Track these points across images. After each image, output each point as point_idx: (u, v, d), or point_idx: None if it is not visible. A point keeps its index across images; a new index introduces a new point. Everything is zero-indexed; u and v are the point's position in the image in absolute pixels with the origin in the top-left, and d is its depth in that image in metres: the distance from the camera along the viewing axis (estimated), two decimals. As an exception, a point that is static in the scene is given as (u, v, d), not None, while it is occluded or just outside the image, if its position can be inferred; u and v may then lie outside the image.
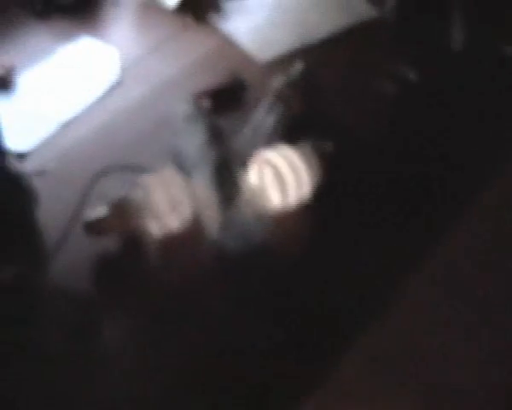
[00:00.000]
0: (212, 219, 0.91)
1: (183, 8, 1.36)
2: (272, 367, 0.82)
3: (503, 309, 0.82)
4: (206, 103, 1.15)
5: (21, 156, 1.07)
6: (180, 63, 1.26)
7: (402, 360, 0.79)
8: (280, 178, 0.93)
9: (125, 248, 0.94)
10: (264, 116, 1.07)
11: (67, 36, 1.30)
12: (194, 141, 1.00)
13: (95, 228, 0.92)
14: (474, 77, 1.21)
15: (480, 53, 1.24)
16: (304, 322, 0.88)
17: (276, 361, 0.83)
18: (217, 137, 1.00)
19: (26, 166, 1.05)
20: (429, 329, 0.81)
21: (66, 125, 1.14)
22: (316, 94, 1.15)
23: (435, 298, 0.85)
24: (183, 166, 1.00)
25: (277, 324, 0.86)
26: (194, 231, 0.95)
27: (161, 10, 1.37)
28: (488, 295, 0.93)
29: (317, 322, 0.87)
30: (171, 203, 0.92)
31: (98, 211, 0.93)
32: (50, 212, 0.98)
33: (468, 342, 0.79)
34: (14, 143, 1.05)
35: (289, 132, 1.07)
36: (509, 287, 0.86)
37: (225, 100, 1.17)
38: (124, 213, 0.91)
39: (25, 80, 1.20)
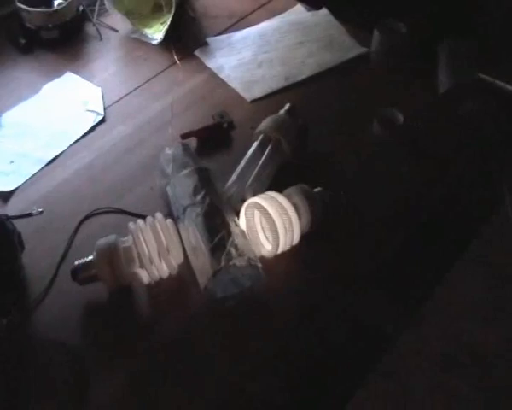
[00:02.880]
0: (204, 268, 0.89)
1: (167, 45, 1.35)
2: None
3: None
4: (193, 143, 1.14)
5: (5, 197, 1.05)
6: (165, 101, 1.25)
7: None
8: (271, 224, 0.92)
9: (113, 295, 0.92)
10: (251, 158, 1.05)
11: (51, 72, 1.29)
12: (183, 186, 0.98)
13: (82, 275, 0.90)
14: (461, 120, 1.21)
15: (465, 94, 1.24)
16: (300, 372, 0.86)
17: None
18: (206, 181, 0.99)
19: (10, 208, 1.03)
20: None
21: (51, 165, 1.12)
22: (303, 134, 1.14)
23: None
24: (171, 211, 0.99)
25: (275, 374, 0.85)
26: (184, 279, 0.93)
27: (146, 46, 1.36)
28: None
29: (314, 371, 0.86)
30: (161, 249, 0.90)
31: (85, 258, 0.91)
32: (36, 256, 0.97)
33: None
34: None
35: (279, 175, 1.07)
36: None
37: (213, 139, 1.16)
38: (112, 260, 0.89)
39: (8, 118, 1.18)
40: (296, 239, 0.96)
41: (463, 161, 1.14)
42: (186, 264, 0.94)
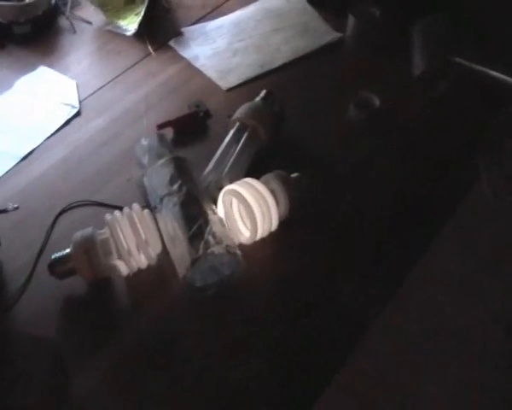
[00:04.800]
0: (182, 257, 0.89)
1: (142, 36, 1.34)
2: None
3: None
4: (170, 133, 1.14)
5: (-20, 194, 1.04)
6: (141, 92, 1.24)
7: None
8: (249, 210, 0.92)
9: (92, 288, 0.92)
10: (228, 146, 1.05)
11: (24, 67, 1.27)
12: (159, 176, 0.98)
13: (59, 269, 0.90)
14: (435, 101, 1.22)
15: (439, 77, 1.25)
16: (281, 353, 0.86)
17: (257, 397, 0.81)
18: (183, 170, 0.98)
19: (-15, 205, 1.02)
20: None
21: (26, 160, 1.10)
22: (280, 120, 1.14)
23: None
24: (149, 202, 0.98)
25: (257, 359, 0.85)
26: (163, 269, 0.93)
27: (120, 38, 1.35)
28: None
29: (294, 353, 0.86)
30: (139, 240, 0.90)
31: (62, 252, 0.90)
32: (13, 252, 0.96)
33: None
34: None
35: (256, 162, 1.06)
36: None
37: (189, 128, 1.16)
38: (89, 254, 0.88)
39: (-19, 114, 1.17)
40: (274, 225, 0.96)
41: (439, 142, 1.14)
42: (165, 254, 0.93)
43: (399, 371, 0.79)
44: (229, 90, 1.26)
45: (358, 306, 0.90)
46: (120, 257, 0.89)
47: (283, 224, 0.97)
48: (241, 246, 0.93)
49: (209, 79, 1.28)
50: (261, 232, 0.94)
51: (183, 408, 0.81)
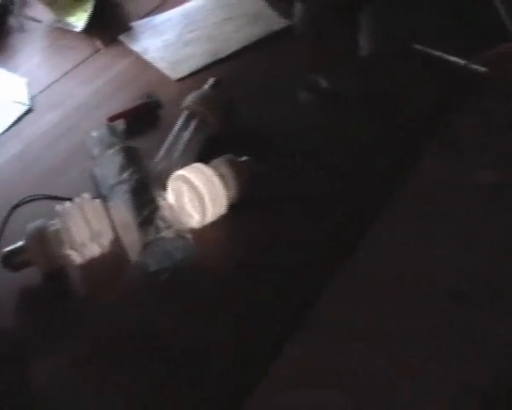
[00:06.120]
0: (133, 242, 0.90)
1: (91, 31, 1.35)
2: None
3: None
4: (121, 125, 1.15)
5: None
6: (92, 86, 1.25)
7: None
8: (198, 194, 0.94)
9: (47, 278, 0.93)
10: (178, 133, 1.06)
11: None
12: (110, 166, 0.99)
13: (13, 261, 0.91)
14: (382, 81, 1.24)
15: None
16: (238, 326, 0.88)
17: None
18: (133, 159, 1.00)
19: None
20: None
21: (-21, 158, 1.11)
22: (230, 107, 1.15)
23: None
24: (100, 192, 0.99)
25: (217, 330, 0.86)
26: (116, 257, 0.94)
27: (69, 34, 1.36)
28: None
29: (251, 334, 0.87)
30: (90, 230, 0.91)
31: (15, 244, 0.91)
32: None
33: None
34: None
35: (206, 148, 1.08)
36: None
37: (140, 120, 1.17)
38: (42, 244, 0.89)
39: None
40: (224, 209, 0.97)
41: (384, 122, 1.16)
42: (118, 242, 0.94)
43: (356, 333, 0.82)
44: (180, 80, 1.27)
45: (309, 280, 0.92)
46: (73, 247, 0.91)
47: (234, 207, 0.99)
48: (192, 230, 0.94)
49: (160, 71, 1.29)
50: (211, 216, 0.96)
51: (142, 394, 0.81)
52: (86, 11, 1.36)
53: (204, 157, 1.03)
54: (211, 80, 1.17)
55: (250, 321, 0.88)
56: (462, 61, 1.22)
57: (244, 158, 1.02)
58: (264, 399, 0.80)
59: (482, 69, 1.21)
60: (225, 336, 0.86)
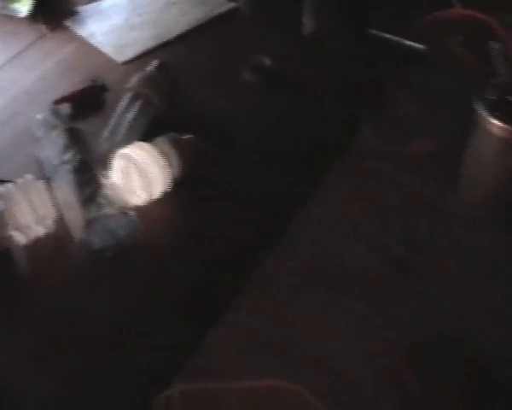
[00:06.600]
0: (76, 221, 0.91)
1: (36, 16, 1.35)
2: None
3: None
4: (66, 108, 1.15)
5: None
6: (38, 72, 1.26)
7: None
8: (141, 172, 0.95)
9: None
10: (122, 114, 1.07)
11: None
12: (53, 147, 1.00)
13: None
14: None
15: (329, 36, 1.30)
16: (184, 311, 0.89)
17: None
18: (77, 140, 1.00)
19: None
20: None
21: None
22: (175, 88, 1.17)
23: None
24: (45, 174, 1.00)
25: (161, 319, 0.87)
26: (60, 236, 0.95)
27: (14, 20, 1.36)
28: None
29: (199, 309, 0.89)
30: (34, 211, 0.92)
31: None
32: None
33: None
34: None
35: (151, 129, 1.09)
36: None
37: (86, 103, 1.18)
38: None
39: None
40: (168, 186, 0.99)
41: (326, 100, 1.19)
42: (62, 222, 0.95)
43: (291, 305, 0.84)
44: (126, 63, 1.28)
45: (252, 247, 0.94)
46: (17, 228, 0.91)
47: (178, 184, 1.00)
48: (136, 208, 0.95)
49: (106, 55, 1.30)
50: (154, 194, 0.97)
51: (88, 375, 0.81)
52: (31, -4, 1.35)
53: (148, 137, 1.04)
54: (155, 62, 1.18)
55: (191, 300, 0.89)
56: (405, 41, 1.25)
57: (187, 136, 1.04)
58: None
59: (420, 46, 1.24)
60: (162, 317, 0.87)
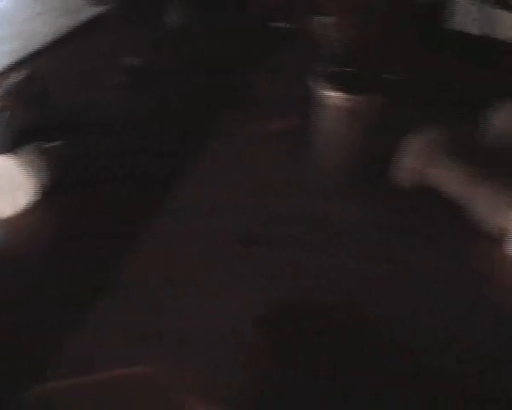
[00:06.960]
0: None
1: None
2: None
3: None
4: None
5: None
6: None
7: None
8: (5, 183, 0.95)
9: None
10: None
11: None
12: None
13: None
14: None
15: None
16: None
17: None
18: None
19: None
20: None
21: None
22: (43, 98, 1.17)
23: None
24: None
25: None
26: None
27: None
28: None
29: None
30: None
31: None
32: None
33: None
34: None
35: (18, 139, 1.09)
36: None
37: None
38: None
39: None
40: (32, 196, 0.99)
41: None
42: None
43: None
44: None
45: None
46: None
47: (48, 192, 1.00)
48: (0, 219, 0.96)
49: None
50: (19, 203, 0.98)
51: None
52: None
53: (15, 148, 1.04)
54: (21, 74, 1.18)
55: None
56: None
57: (54, 143, 1.05)
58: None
59: (285, 26, 1.29)
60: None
